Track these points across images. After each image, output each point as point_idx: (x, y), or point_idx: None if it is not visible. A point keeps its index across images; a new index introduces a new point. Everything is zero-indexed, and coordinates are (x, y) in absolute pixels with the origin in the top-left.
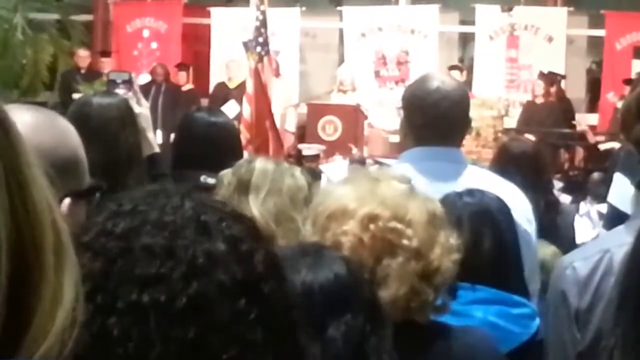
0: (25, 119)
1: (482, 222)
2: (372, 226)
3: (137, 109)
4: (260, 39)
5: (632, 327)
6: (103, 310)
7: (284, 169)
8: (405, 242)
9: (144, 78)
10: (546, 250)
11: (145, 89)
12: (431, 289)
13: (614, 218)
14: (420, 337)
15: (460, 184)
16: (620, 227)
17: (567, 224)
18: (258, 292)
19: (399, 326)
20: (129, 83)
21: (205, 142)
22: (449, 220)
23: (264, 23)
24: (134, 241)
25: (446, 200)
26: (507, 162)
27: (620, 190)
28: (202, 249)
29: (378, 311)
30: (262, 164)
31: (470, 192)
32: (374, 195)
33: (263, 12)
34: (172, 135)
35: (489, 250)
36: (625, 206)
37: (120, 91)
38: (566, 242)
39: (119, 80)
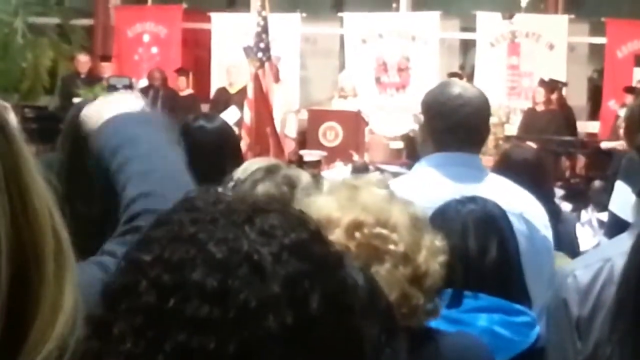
0: None
1: (487, 228)
2: (357, 234)
3: None
4: (262, 45)
5: (630, 335)
6: (152, 347)
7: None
8: (391, 247)
9: (143, 83)
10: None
11: (143, 94)
12: (421, 292)
13: (616, 226)
14: (412, 343)
15: (482, 190)
16: (622, 235)
17: (568, 232)
18: (311, 336)
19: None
20: (129, 88)
21: (204, 150)
22: (453, 228)
23: (265, 29)
24: (188, 275)
25: (448, 208)
26: (508, 169)
27: (622, 198)
28: (255, 293)
29: (393, 321)
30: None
31: (473, 199)
32: (356, 202)
33: (264, 18)
34: None
35: (494, 257)
36: (627, 214)
37: None
38: (569, 251)
39: (119, 85)
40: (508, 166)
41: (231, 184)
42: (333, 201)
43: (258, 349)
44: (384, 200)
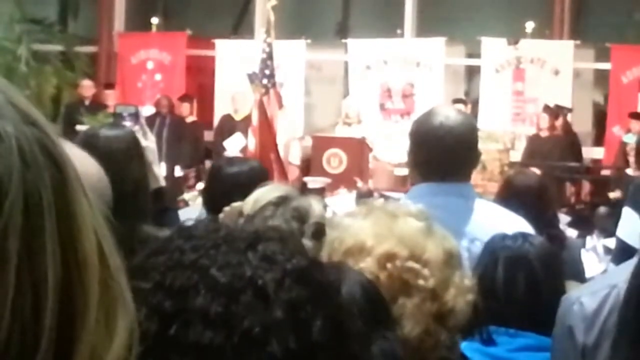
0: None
1: (515, 267)
2: (389, 265)
3: (143, 142)
4: (267, 71)
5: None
6: None
7: None
8: (421, 282)
9: (147, 110)
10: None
11: (150, 121)
12: (445, 330)
13: (623, 252)
14: None
15: (469, 219)
16: (629, 262)
17: (573, 259)
18: None
19: None
20: (135, 116)
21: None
22: (486, 262)
23: (270, 55)
24: (190, 301)
25: (491, 242)
26: (510, 195)
27: (629, 224)
28: (257, 318)
29: (396, 333)
30: None
31: (515, 236)
32: (392, 232)
33: (270, 45)
34: (176, 168)
35: (521, 295)
36: (634, 240)
37: (127, 124)
38: (574, 277)
39: (125, 114)
40: (511, 193)
41: (241, 220)
42: (369, 227)
43: None
44: (420, 233)
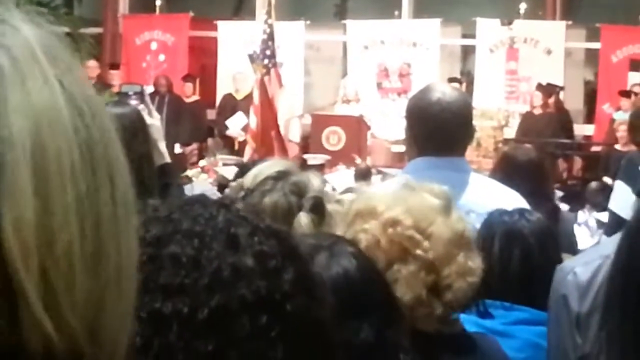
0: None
1: (511, 242)
2: (390, 230)
3: (148, 120)
4: (268, 52)
5: (617, 331)
6: None
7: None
8: (419, 252)
9: (149, 89)
10: None
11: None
12: (440, 303)
13: (615, 225)
14: (433, 346)
15: (465, 192)
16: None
17: (567, 232)
18: (282, 310)
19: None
20: (140, 95)
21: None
22: (483, 237)
23: (271, 36)
24: (163, 249)
25: (489, 217)
26: (512, 170)
27: (622, 197)
28: (228, 262)
29: (393, 306)
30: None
31: (512, 212)
32: (404, 202)
33: (270, 26)
34: (176, 146)
35: (516, 270)
36: (626, 213)
37: (133, 102)
38: (567, 250)
39: (130, 92)
40: (512, 167)
41: (241, 193)
42: (385, 196)
43: (229, 317)
44: (431, 209)
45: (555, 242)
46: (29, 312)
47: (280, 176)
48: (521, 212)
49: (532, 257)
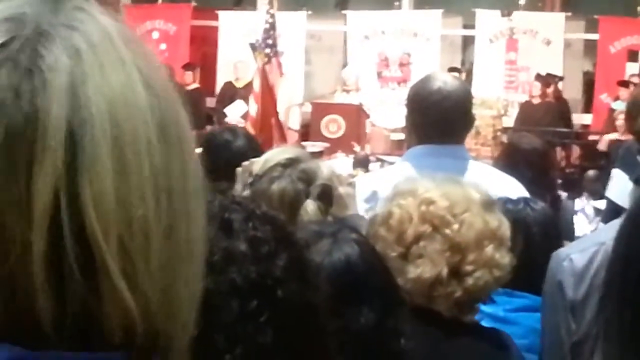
0: None
1: (514, 230)
2: (424, 207)
3: None
4: (269, 41)
5: (616, 316)
6: None
7: None
8: (448, 231)
9: None
10: None
11: None
12: (459, 286)
13: (613, 212)
14: (445, 330)
15: (463, 178)
16: (617, 221)
17: (566, 220)
18: (273, 295)
19: (425, 315)
20: None
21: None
22: None
23: (273, 26)
24: None
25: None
26: (516, 158)
27: (619, 185)
28: (220, 246)
29: (394, 293)
30: None
31: (516, 200)
32: (444, 189)
33: (272, 16)
34: None
35: (518, 257)
36: (624, 201)
37: None
38: (566, 238)
39: None
40: (516, 155)
41: (249, 179)
42: (429, 183)
43: (218, 300)
44: (469, 199)
45: (557, 231)
46: (110, 286)
47: (289, 163)
48: (526, 200)
49: (534, 246)
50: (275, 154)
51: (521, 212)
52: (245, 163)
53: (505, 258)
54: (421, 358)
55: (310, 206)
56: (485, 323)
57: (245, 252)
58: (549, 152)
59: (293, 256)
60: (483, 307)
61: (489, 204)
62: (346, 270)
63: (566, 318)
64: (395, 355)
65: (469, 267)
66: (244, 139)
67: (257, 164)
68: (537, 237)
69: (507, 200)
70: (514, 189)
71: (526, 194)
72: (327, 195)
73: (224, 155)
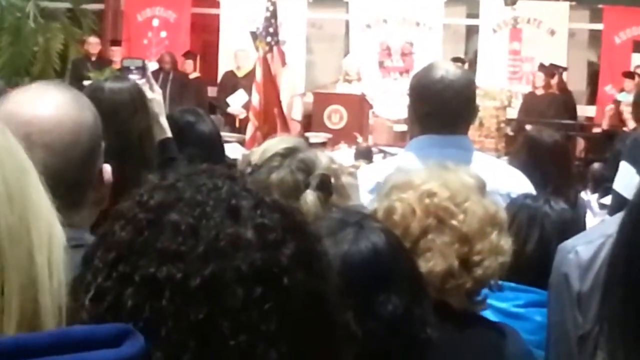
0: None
1: (530, 226)
2: (427, 200)
3: (150, 94)
4: (271, 29)
5: (618, 311)
6: (122, 280)
7: None
8: (454, 222)
9: (152, 66)
10: None
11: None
12: (470, 277)
13: (620, 205)
14: (457, 322)
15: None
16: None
17: (580, 215)
18: (278, 283)
19: (436, 307)
20: (142, 69)
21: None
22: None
23: (274, 14)
24: (164, 216)
25: (514, 199)
26: (538, 152)
27: (626, 178)
28: (226, 232)
29: (419, 282)
30: None
31: (536, 197)
32: (441, 178)
33: (273, 3)
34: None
35: (532, 253)
36: (630, 193)
37: (134, 77)
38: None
39: (132, 67)
40: (540, 150)
41: (248, 169)
42: (423, 172)
43: (223, 286)
44: (467, 186)
45: (573, 232)
46: None
47: (288, 153)
48: (547, 199)
49: (550, 243)
50: (274, 144)
51: (540, 209)
52: (245, 152)
53: (507, 242)
54: (437, 350)
55: (309, 196)
56: (495, 318)
57: (252, 239)
58: (568, 145)
59: (301, 245)
60: (492, 302)
61: (481, 188)
62: (374, 258)
63: (572, 311)
64: (422, 343)
65: (477, 257)
66: (207, 120)
67: (256, 154)
68: (553, 235)
69: (528, 195)
70: (518, 181)
71: (531, 188)
72: (326, 186)
73: (189, 138)
